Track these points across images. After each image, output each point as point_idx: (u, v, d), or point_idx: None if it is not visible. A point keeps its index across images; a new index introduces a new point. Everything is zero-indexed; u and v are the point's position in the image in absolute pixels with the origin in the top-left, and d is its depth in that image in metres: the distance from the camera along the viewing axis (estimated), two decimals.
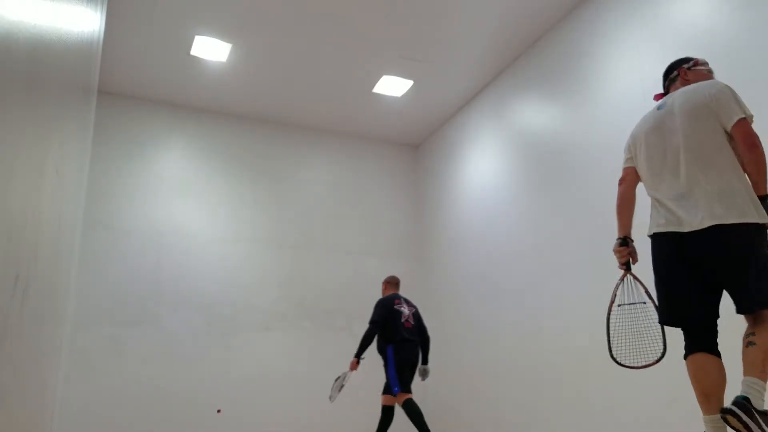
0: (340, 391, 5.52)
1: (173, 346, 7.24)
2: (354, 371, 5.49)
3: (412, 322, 5.60)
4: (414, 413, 5.30)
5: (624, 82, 5.33)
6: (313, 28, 6.44)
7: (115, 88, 7.61)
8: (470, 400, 7.32)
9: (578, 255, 5.68)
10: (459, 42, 6.71)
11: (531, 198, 6.50)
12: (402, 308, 5.62)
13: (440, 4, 6.06)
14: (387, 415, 5.55)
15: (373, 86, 7.62)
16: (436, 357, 8.21)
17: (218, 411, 7.13)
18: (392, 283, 6.00)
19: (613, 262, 5.35)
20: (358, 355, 5.44)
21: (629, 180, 3.04)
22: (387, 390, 5.55)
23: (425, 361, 5.72)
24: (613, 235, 5.27)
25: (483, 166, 7.51)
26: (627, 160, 3.08)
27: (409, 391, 5.41)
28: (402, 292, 8.61)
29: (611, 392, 5.11)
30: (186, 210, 7.78)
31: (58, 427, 6.00)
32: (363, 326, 5.67)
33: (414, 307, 5.79)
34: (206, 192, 7.96)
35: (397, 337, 5.46)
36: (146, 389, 6.97)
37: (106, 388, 6.80)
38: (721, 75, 4.40)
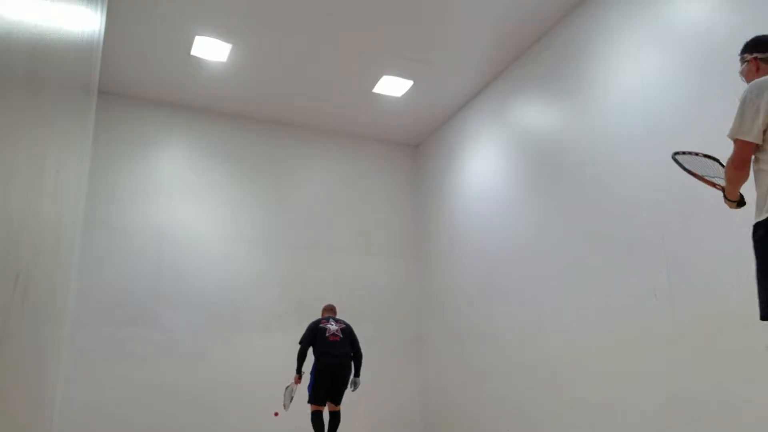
0: (291, 401, 6.03)
1: (173, 346, 7.24)
2: (298, 384, 5.99)
3: (340, 336, 5.97)
4: (321, 425, 5.77)
5: (624, 82, 5.33)
6: (313, 28, 6.44)
7: (115, 88, 7.60)
8: (470, 400, 7.32)
9: (578, 254, 5.68)
10: (459, 42, 6.71)
11: (531, 198, 6.50)
12: (327, 325, 6.04)
13: (440, 4, 6.06)
14: (333, 418, 5.91)
15: (373, 86, 7.62)
16: (437, 356, 8.22)
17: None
18: (326, 308, 6.45)
19: (613, 261, 5.37)
20: (298, 371, 5.94)
21: (749, 164, 2.64)
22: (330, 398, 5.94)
23: (357, 374, 6.04)
24: (612, 233, 5.28)
25: (483, 166, 7.51)
26: (758, 133, 2.53)
27: (321, 404, 5.84)
28: (402, 292, 8.67)
29: (611, 391, 5.11)
30: (186, 210, 7.78)
31: (58, 427, 6.00)
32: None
33: (345, 324, 6.13)
34: (206, 192, 7.96)
35: (319, 351, 5.90)
36: (146, 389, 6.98)
37: (106, 388, 6.80)
38: (720, 75, 4.40)
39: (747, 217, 4.10)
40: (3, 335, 1.03)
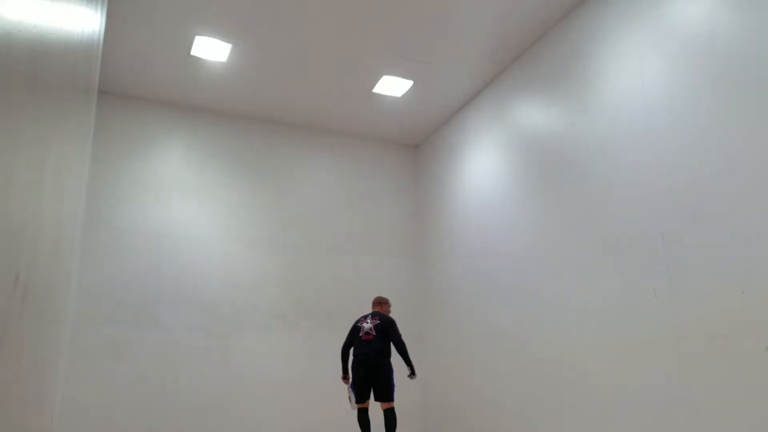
0: (350, 400, 6.04)
1: (173, 346, 7.24)
2: (347, 384, 6.08)
3: (374, 334, 5.96)
4: (363, 423, 5.83)
5: (624, 82, 5.33)
6: (313, 28, 6.44)
7: (115, 88, 7.61)
8: (470, 399, 7.32)
9: (578, 255, 5.68)
10: (459, 42, 6.71)
11: (530, 198, 6.50)
12: (363, 324, 6.08)
13: (440, 4, 6.06)
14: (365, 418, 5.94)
15: (373, 86, 7.62)
16: (437, 356, 8.22)
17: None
18: (374, 302, 6.45)
19: (613, 261, 5.37)
20: (343, 371, 6.08)
21: None
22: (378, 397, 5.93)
23: (407, 365, 5.92)
24: (612, 233, 5.28)
25: (483, 166, 7.51)
26: None
27: (362, 401, 5.88)
28: (402, 291, 8.63)
29: (611, 390, 5.12)
30: (186, 210, 7.78)
31: (58, 427, 6.00)
32: None
33: (381, 320, 6.06)
34: (206, 192, 7.96)
35: (354, 352, 6.00)
36: (146, 389, 6.98)
37: (106, 388, 6.80)
38: (721, 75, 4.41)
39: (748, 217, 4.11)
40: (3, 335, 1.03)
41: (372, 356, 5.84)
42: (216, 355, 7.42)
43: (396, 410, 5.87)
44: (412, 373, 5.88)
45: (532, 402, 6.15)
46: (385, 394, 5.78)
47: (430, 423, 8.19)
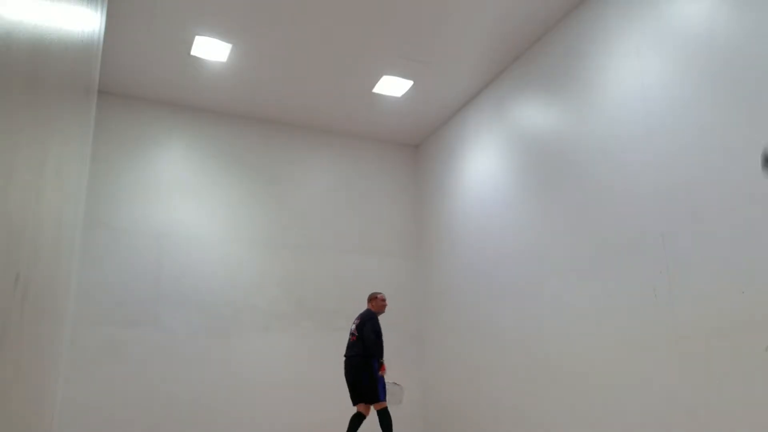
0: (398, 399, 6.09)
1: (173, 346, 7.24)
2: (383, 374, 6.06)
3: (356, 334, 6.02)
4: (351, 421, 5.87)
5: (624, 82, 5.33)
6: (313, 28, 6.44)
7: (115, 88, 7.61)
8: (470, 399, 7.32)
9: (578, 254, 5.68)
10: (459, 42, 6.71)
11: (530, 198, 6.50)
12: (351, 325, 6.18)
13: (440, 4, 6.06)
14: (364, 418, 5.99)
15: (373, 86, 7.62)
16: (437, 356, 8.23)
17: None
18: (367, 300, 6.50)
19: (613, 261, 5.36)
20: None
21: None
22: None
23: (375, 357, 5.93)
24: (612, 233, 5.28)
25: (483, 166, 7.51)
26: None
27: (354, 403, 5.94)
28: (402, 291, 8.64)
29: (611, 390, 5.12)
30: (186, 210, 7.78)
31: (58, 427, 6.00)
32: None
33: (360, 319, 6.13)
34: (206, 192, 7.96)
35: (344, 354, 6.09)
36: (146, 389, 6.98)
37: (106, 388, 6.80)
38: (721, 76, 4.41)
39: (748, 217, 4.11)
40: (3, 335, 1.03)
41: (354, 360, 5.88)
42: (216, 355, 7.42)
43: (393, 409, 5.88)
44: (379, 367, 5.88)
45: (532, 402, 6.15)
46: (372, 395, 5.78)
47: (430, 423, 8.19)
